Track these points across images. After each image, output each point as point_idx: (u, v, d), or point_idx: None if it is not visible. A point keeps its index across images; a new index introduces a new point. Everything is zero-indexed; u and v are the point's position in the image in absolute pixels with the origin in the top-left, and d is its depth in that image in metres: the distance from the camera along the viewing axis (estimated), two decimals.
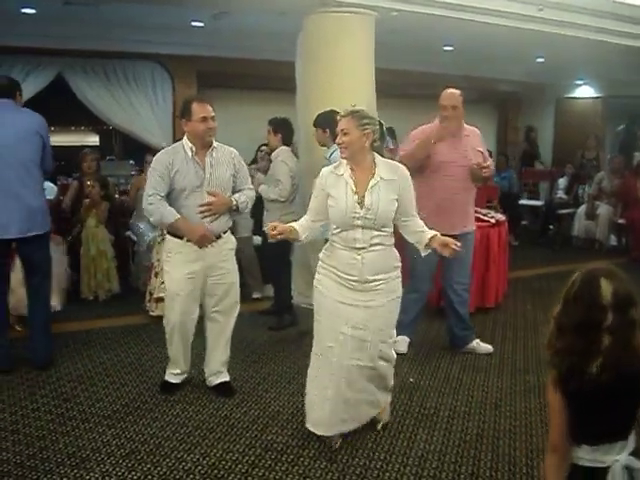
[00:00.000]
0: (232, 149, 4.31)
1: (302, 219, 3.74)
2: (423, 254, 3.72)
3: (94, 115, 9.34)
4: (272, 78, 8.35)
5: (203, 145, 4.10)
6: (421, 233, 3.67)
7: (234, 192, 4.28)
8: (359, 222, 3.46)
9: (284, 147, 5.83)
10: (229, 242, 4.31)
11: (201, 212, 4.06)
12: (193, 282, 4.16)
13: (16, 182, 4.53)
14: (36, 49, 8.01)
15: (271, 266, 6.11)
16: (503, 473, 3.51)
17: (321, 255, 3.70)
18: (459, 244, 3.54)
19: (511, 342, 5.62)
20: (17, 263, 5.26)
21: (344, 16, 5.93)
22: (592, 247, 9.69)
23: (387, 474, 3.48)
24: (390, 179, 3.54)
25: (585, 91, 12.09)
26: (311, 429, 3.72)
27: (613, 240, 9.82)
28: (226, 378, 4.46)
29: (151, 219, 4.25)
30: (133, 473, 3.42)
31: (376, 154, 3.62)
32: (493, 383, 4.72)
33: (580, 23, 7.23)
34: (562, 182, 10.68)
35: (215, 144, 4.17)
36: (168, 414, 4.09)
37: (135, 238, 7.05)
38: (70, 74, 8.73)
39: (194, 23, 7.94)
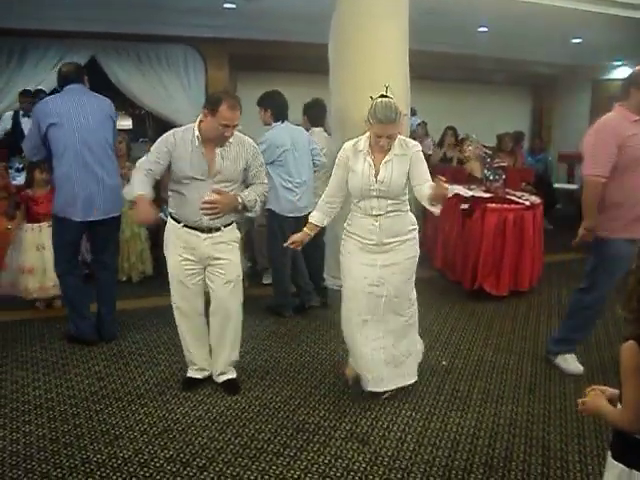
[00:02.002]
0: (249, 141, 4.02)
1: (319, 205, 4.09)
2: (436, 213, 3.84)
3: (127, 98, 9.42)
4: (304, 60, 8.30)
5: (214, 142, 3.83)
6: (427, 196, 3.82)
7: (246, 186, 4.07)
8: (374, 193, 3.78)
9: (316, 128, 5.82)
10: (229, 234, 4.00)
11: (204, 209, 3.83)
12: (189, 270, 3.95)
13: (98, 164, 4.68)
14: (70, 33, 8.10)
15: (270, 259, 5.90)
16: (537, 458, 3.47)
17: (345, 225, 4.02)
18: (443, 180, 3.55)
19: (545, 325, 5.54)
20: (48, 245, 5.36)
21: None
22: None
23: (419, 457, 3.46)
24: (402, 154, 3.81)
25: (623, 72, 11.80)
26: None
27: None
28: (232, 375, 4.23)
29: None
30: (166, 451, 3.44)
31: None
32: (527, 367, 4.66)
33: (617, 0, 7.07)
34: None
35: (232, 138, 3.87)
36: (200, 393, 4.10)
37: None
38: (103, 57, 8.83)
39: (226, 5, 7.93)
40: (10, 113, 8.23)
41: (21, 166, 7.33)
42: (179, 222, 3.93)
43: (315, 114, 6.00)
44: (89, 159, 4.63)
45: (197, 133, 3.81)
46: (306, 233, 4.05)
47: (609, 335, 5.30)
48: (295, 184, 5.41)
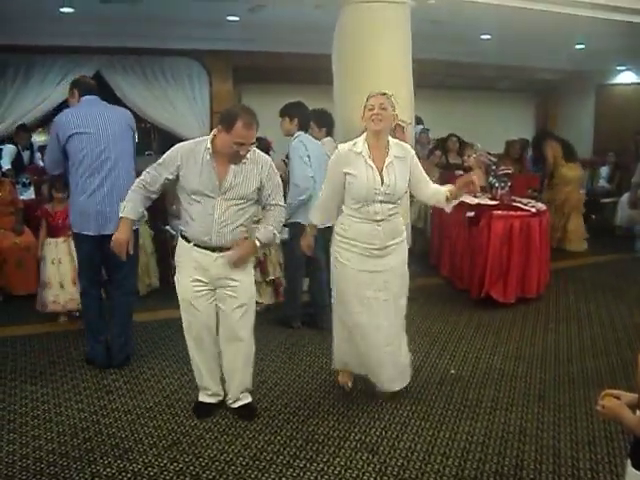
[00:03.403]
0: (266, 158, 3.80)
1: (318, 206, 4.16)
2: (448, 210, 4.09)
3: (133, 112, 9.43)
4: (308, 71, 8.33)
5: (227, 160, 3.63)
6: (437, 193, 4.04)
7: (261, 206, 3.86)
8: (379, 197, 3.81)
9: (326, 139, 5.83)
10: None
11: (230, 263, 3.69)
12: (200, 292, 3.74)
13: (116, 176, 4.55)
14: (75, 48, 8.14)
15: (287, 270, 5.88)
16: (547, 465, 3.45)
17: (337, 230, 4.03)
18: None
19: (553, 332, 5.52)
20: (65, 260, 5.40)
21: (380, 6, 5.90)
22: (635, 236, 9.47)
23: (429, 466, 3.45)
24: (401, 157, 3.90)
25: (627, 77, 11.83)
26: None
27: None
28: (246, 400, 4.04)
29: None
30: (175, 464, 3.44)
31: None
32: (536, 374, 4.65)
33: (618, 5, 7.07)
34: (604, 170, 10.48)
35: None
36: None
37: (174, 233, 7.08)
38: (108, 72, 8.87)
39: (230, 18, 7.97)
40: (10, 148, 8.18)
41: (28, 181, 7.38)
42: (189, 241, 3.74)
43: (332, 124, 5.98)
44: (108, 170, 4.51)
45: (209, 146, 3.61)
46: (311, 234, 4.20)
47: (618, 340, 5.28)
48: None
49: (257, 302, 4.16)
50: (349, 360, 4.27)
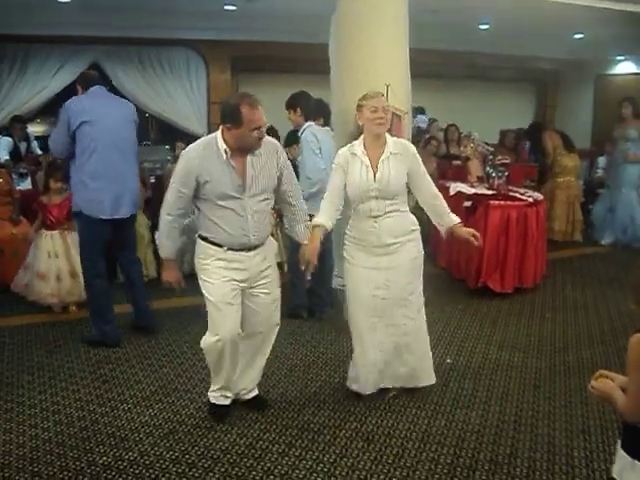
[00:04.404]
0: (274, 142, 3.70)
1: (322, 208, 3.87)
2: (442, 234, 4.03)
3: (130, 101, 9.42)
4: (306, 61, 8.31)
5: (248, 152, 3.48)
6: (442, 215, 3.95)
7: (282, 196, 3.76)
8: (373, 193, 3.77)
9: (325, 128, 5.79)
10: (270, 246, 3.76)
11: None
12: (234, 290, 3.57)
13: (124, 163, 4.82)
14: (72, 38, 8.12)
15: (290, 261, 5.79)
16: (542, 454, 3.47)
17: (346, 230, 4.01)
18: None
19: (550, 322, 5.53)
20: (61, 253, 5.50)
21: None
22: None
23: (424, 454, 3.46)
24: (397, 153, 3.83)
25: (626, 67, 11.78)
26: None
27: None
28: (257, 391, 4.02)
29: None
30: (171, 452, 3.46)
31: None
32: (532, 363, 4.66)
33: None
34: (602, 161, 10.45)
35: None
36: (205, 395, 4.09)
37: None
38: (106, 62, 8.86)
39: (227, 7, 7.93)
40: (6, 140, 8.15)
41: (25, 171, 7.37)
42: (221, 246, 3.53)
43: (329, 114, 5.90)
44: (116, 158, 4.76)
45: (224, 146, 3.42)
46: (318, 238, 3.76)
47: (614, 329, 5.30)
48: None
49: None
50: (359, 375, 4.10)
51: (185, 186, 3.49)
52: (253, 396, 4.00)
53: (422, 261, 3.99)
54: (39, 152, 8.29)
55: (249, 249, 3.56)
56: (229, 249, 3.52)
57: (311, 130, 5.35)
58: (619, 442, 2.22)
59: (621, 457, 2.16)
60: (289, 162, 3.78)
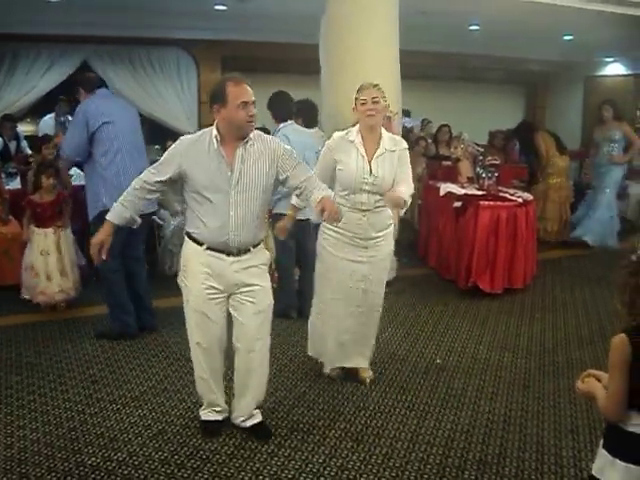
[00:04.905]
0: (274, 139, 3.53)
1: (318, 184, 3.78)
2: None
3: None
4: (296, 61, 8.32)
5: (239, 136, 3.30)
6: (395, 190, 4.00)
7: (290, 188, 3.53)
8: (366, 187, 3.88)
9: (314, 129, 5.79)
10: (258, 258, 3.47)
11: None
12: (213, 300, 3.41)
13: (142, 162, 4.86)
14: (61, 37, 8.08)
15: (278, 261, 5.70)
16: (531, 454, 3.49)
17: None
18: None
19: (539, 322, 5.56)
20: (52, 251, 5.49)
21: None
22: (622, 228, 9.49)
23: (413, 454, 3.47)
24: (392, 150, 3.94)
25: (615, 68, 11.82)
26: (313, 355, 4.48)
27: None
28: (259, 418, 3.71)
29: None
30: (160, 453, 3.45)
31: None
32: (521, 364, 4.68)
33: None
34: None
35: (252, 134, 3.35)
36: (194, 396, 4.07)
37: (161, 222, 7.08)
38: (96, 61, 8.81)
39: (217, 7, 7.91)
40: None
41: (14, 171, 7.33)
42: (201, 244, 3.39)
43: (310, 114, 5.87)
44: (137, 156, 4.93)
45: (215, 132, 3.30)
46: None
47: (603, 329, 5.33)
48: None
49: None
50: (322, 352, 4.40)
51: (166, 166, 3.36)
52: (255, 423, 3.69)
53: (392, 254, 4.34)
54: (29, 152, 8.24)
55: (228, 253, 3.36)
56: (208, 248, 3.36)
57: (283, 132, 5.32)
58: (601, 441, 2.24)
59: (602, 455, 2.19)
60: (300, 161, 3.52)
